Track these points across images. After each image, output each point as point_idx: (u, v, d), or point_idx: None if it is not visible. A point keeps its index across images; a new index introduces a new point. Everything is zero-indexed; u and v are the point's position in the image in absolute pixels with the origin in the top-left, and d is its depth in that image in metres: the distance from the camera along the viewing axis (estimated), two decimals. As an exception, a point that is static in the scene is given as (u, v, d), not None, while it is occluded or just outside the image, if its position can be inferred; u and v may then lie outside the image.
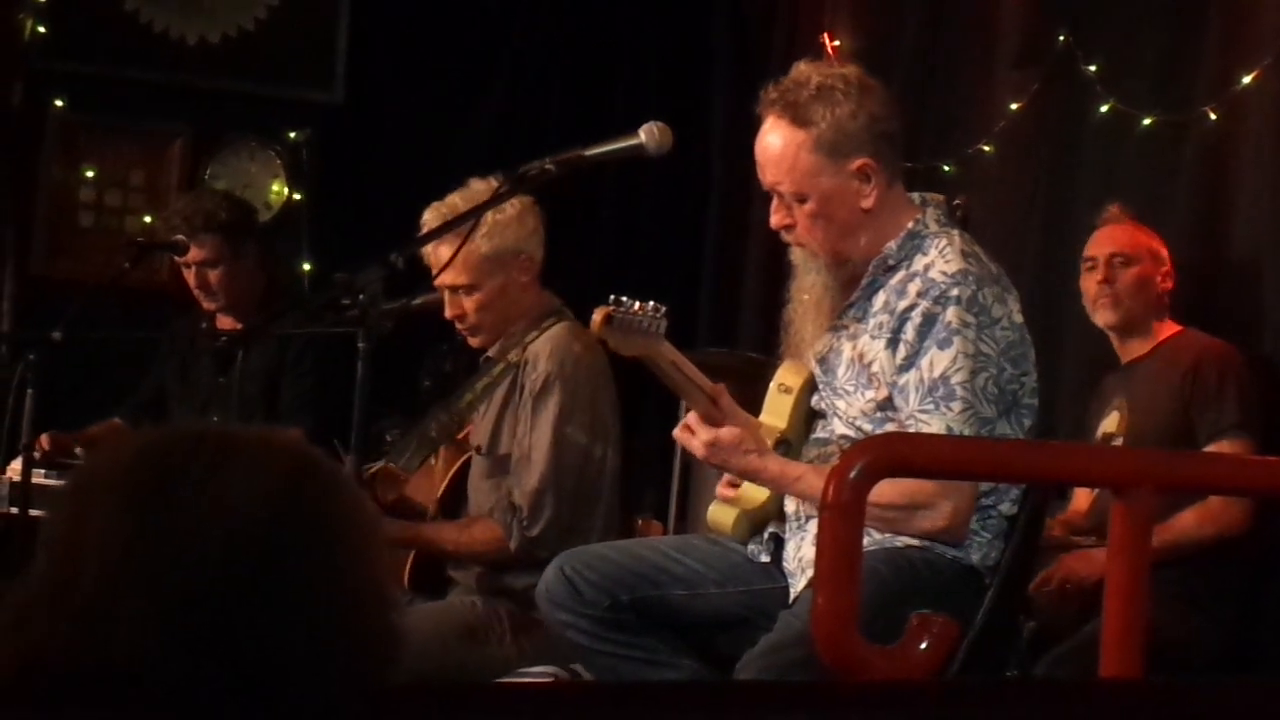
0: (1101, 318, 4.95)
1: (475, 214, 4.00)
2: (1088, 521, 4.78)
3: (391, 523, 4.62)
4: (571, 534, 4.46)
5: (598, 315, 3.55)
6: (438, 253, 4.37)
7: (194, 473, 1.59)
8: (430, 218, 4.46)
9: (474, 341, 4.66)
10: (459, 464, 4.76)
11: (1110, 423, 4.89)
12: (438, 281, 4.53)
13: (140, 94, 6.72)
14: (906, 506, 3.56)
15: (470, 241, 4.38)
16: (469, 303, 4.58)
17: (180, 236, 5.56)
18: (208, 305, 5.73)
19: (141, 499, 1.59)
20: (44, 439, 5.33)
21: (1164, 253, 4.94)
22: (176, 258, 5.70)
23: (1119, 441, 4.80)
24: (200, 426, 1.66)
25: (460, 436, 4.75)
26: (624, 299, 3.55)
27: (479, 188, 4.39)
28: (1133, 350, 4.95)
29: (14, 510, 4.86)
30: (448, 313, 4.61)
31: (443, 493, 4.76)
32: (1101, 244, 4.95)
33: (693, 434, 3.72)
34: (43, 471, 5.08)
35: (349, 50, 6.90)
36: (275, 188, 6.89)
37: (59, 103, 6.66)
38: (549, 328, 4.60)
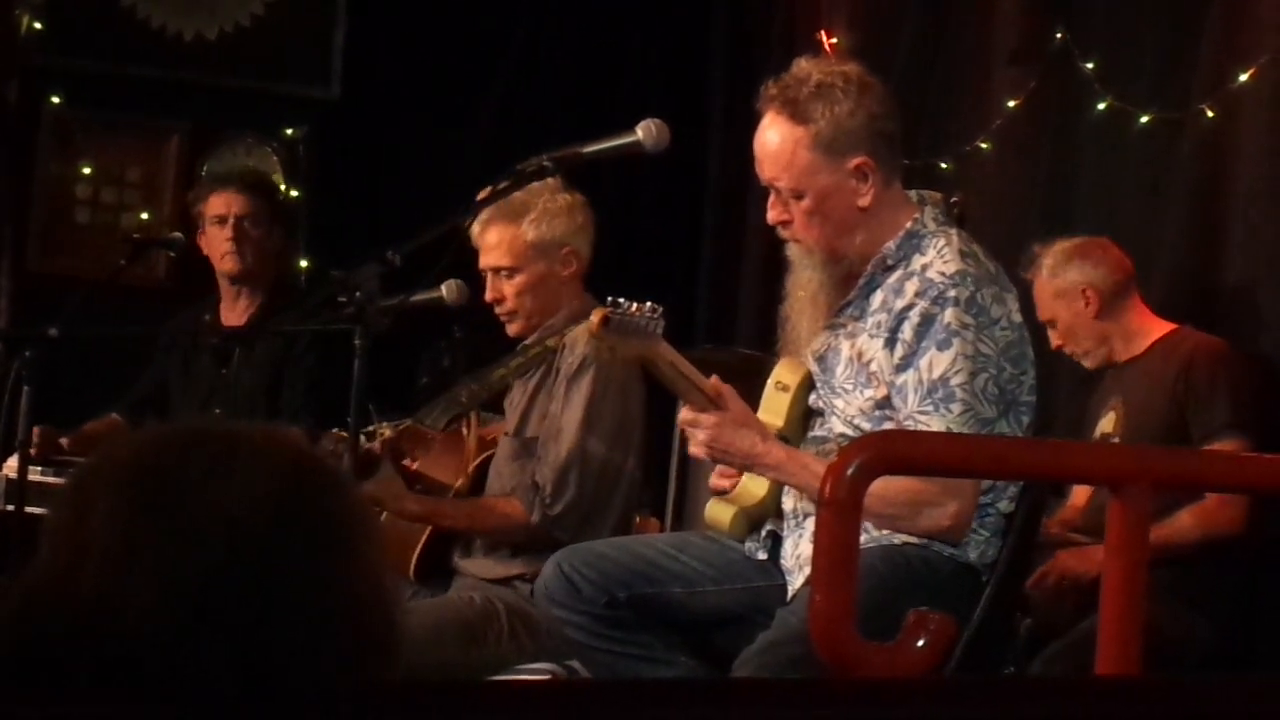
0: (1087, 364, 5.00)
1: (504, 193, 3.93)
2: (1085, 519, 4.78)
3: (412, 497, 4.63)
4: (588, 522, 4.47)
5: (595, 317, 3.54)
6: (484, 236, 4.47)
7: (194, 468, 1.59)
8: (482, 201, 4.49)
9: (510, 329, 4.67)
10: (489, 451, 4.76)
11: (1107, 422, 4.89)
12: (481, 264, 4.58)
13: (137, 90, 6.71)
14: (911, 505, 3.56)
15: (516, 226, 4.43)
16: (509, 287, 4.61)
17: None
18: (229, 265, 5.63)
19: (142, 493, 1.59)
20: (35, 432, 5.32)
21: (1079, 279, 4.89)
22: (212, 213, 5.65)
23: (1116, 441, 4.80)
24: (201, 423, 1.67)
25: (490, 438, 4.75)
26: (621, 300, 3.54)
27: (535, 187, 4.37)
28: (1128, 350, 4.95)
29: (10, 507, 4.86)
30: (488, 295, 4.64)
31: (472, 474, 4.74)
32: (1039, 309, 4.96)
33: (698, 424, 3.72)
34: (39, 469, 5.07)
35: (346, 46, 6.90)
36: (272, 184, 6.88)
37: (55, 99, 6.65)
38: None
